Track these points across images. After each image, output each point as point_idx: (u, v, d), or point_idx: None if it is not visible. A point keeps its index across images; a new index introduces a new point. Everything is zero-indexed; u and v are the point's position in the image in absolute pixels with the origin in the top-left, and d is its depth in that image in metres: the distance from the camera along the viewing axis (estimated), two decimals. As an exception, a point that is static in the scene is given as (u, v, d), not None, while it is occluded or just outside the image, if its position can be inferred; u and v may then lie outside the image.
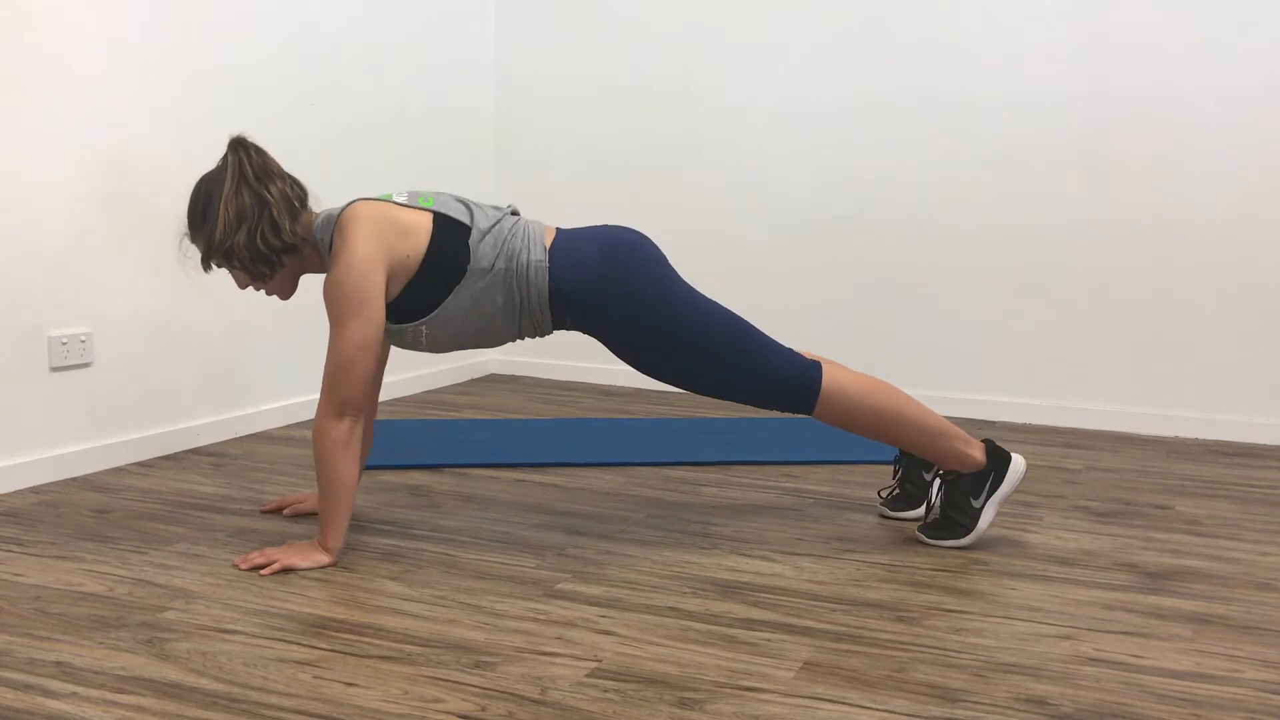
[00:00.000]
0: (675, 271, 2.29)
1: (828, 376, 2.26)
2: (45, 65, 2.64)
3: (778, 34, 3.85)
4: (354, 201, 2.22)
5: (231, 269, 2.24)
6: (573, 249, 2.22)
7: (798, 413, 2.29)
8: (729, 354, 2.24)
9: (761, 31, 3.87)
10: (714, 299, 2.31)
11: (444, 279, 2.18)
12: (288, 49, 3.30)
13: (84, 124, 2.73)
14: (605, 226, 2.31)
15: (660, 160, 4.04)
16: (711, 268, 3.98)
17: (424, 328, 2.21)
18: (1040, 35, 3.53)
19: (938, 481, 2.37)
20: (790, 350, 2.29)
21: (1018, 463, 2.32)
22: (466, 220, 2.21)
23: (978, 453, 2.31)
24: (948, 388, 3.71)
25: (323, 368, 2.15)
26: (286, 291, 2.31)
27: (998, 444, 2.34)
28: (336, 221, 2.19)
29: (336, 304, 2.12)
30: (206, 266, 2.24)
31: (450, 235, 2.19)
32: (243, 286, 2.28)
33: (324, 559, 2.14)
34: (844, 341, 3.82)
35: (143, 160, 2.88)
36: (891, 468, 2.60)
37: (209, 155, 2.29)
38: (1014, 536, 2.41)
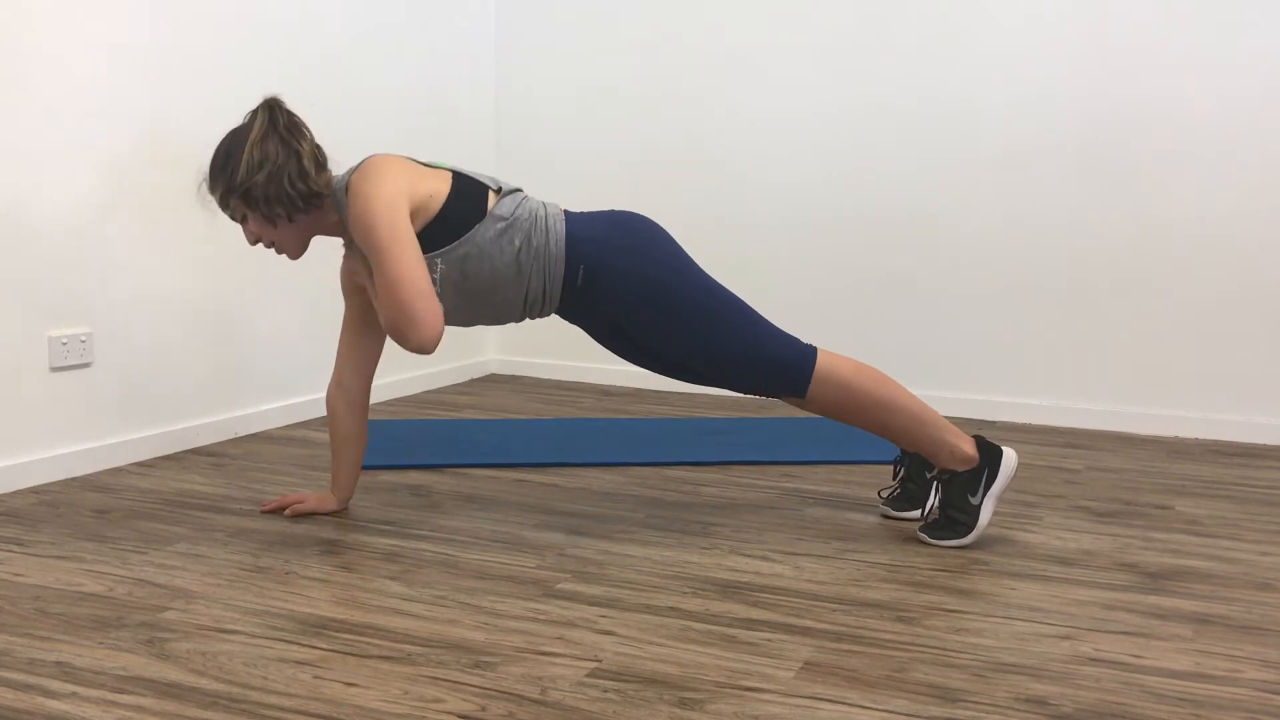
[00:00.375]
0: (682, 249, 2.34)
1: (822, 359, 2.29)
2: (46, 65, 2.64)
3: (778, 34, 3.85)
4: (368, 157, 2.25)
5: (249, 212, 2.22)
6: (582, 216, 2.31)
7: (790, 395, 2.29)
8: (728, 329, 2.26)
9: (762, 32, 3.87)
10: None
11: (464, 220, 2.21)
12: (288, 49, 3.30)
13: (84, 124, 2.73)
14: (611, 210, 2.37)
15: (660, 160, 4.04)
16: (711, 267, 3.97)
17: (439, 261, 2.20)
18: (1040, 36, 3.53)
19: (934, 483, 2.37)
20: (787, 334, 2.31)
21: (1009, 456, 2.32)
22: (484, 181, 2.27)
23: (970, 448, 2.32)
24: (948, 388, 3.71)
25: (382, 305, 2.12)
26: (297, 249, 2.31)
27: (988, 440, 2.35)
28: (353, 170, 2.22)
29: (371, 233, 2.11)
30: (224, 206, 2.24)
31: (469, 188, 2.24)
32: (253, 241, 2.27)
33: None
34: (844, 341, 3.81)
35: (143, 160, 2.88)
36: (892, 468, 2.60)
37: (209, 156, 2.29)
38: (1014, 536, 2.41)
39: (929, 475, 2.43)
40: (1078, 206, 3.54)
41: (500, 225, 2.23)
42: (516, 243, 2.23)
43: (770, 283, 3.92)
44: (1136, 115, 3.45)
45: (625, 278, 2.25)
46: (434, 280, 2.22)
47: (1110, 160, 3.49)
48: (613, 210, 2.36)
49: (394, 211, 2.12)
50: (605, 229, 2.28)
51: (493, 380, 4.24)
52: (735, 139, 3.94)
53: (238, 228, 2.36)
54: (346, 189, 2.21)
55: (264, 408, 3.28)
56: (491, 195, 2.25)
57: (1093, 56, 3.48)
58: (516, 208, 2.25)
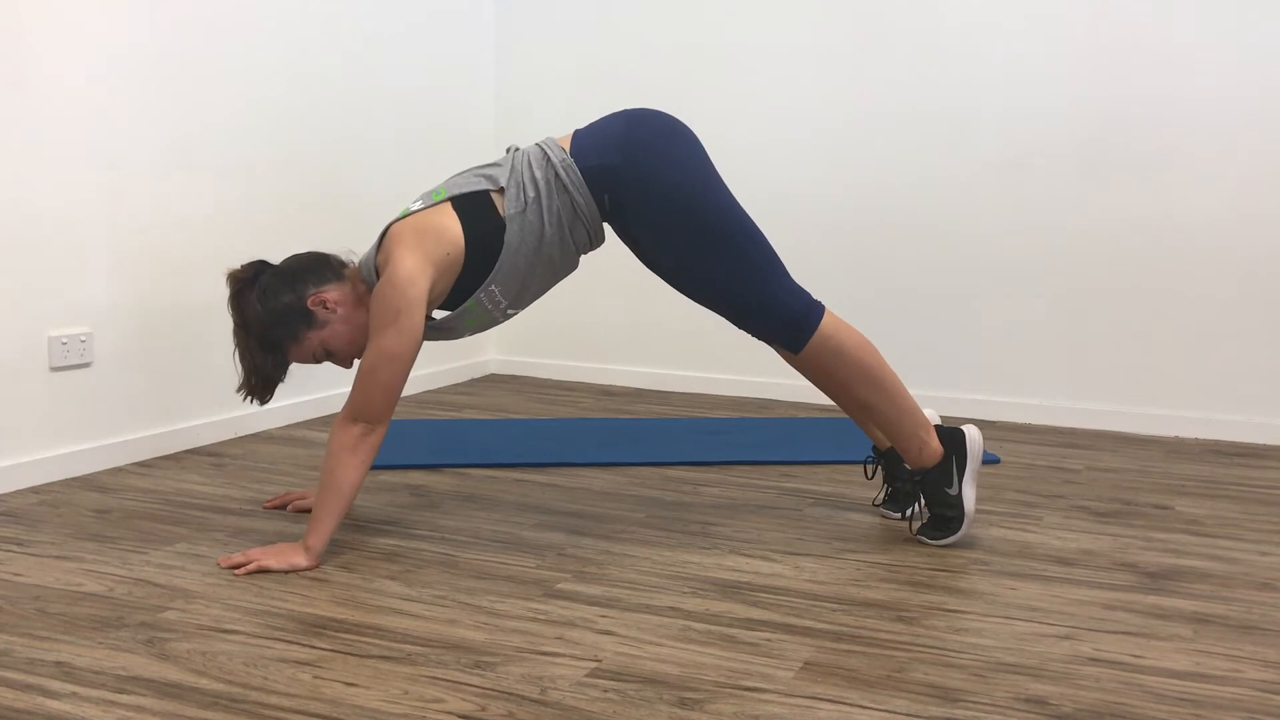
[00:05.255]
0: (704, 153, 2.27)
1: (828, 320, 2.25)
2: (46, 66, 2.64)
3: (778, 35, 3.85)
4: (385, 229, 2.25)
5: (290, 358, 2.28)
6: (594, 132, 2.25)
7: (786, 347, 2.26)
8: (742, 263, 2.21)
9: (762, 32, 3.87)
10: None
11: (491, 245, 2.21)
12: (289, 50, 3.30)
13: (84, 125, 2.73)
14: (626, 110, 2.30)
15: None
16: (711, 268, 3.99)
17: (494, 286, 2.22)
18: (1041, 36, 3.53)
19: (916, 487, 2.37)
20: (798, 284, 2.27)
21: (971, 433, 2.31)
22: (481, 186, 2.24)
23: (935, 443, 2.31)
24: (948, 388, 3.71)
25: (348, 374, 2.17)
26: (356, 351, 2.31)
27: (945, 426, 2.34)
28: (379, 246, 2.23)
29: (376, 315, 2.15)
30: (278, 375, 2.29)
31: (476, 207, 2.22)
32: (349, 365, 2.34)
33: (301, 562, 2.11)
34: (844, 341, 3.83)
35: (143, 161, 2.88)
36: (863, 467, 2.56)
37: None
38: (1014, 536, 2.41)
39: (908, 468, 2.44)
40: (1078, 207, 3.54)
41: (522, 220, 2.21)
42: (547, 222, 2.22)
43: (770, 283, 3.92)
44: (1137, 116, 3.45)
45: (648, 193, 2.20)
46: (499, 305, 2.26)
47: (1111, 161, 3.49)
48: (628, 113, 2.28)
49: (404, 293, 2.13)
50: (620, 143, 2.21)
51: (493, 380, 4.24)
52: (735, 139, 3.93)
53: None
54: (376, 260, 2.23)
55: (264, 407, 3.28)
56: (495, 197, 2.23)
57: (1094, 57, 3.48)
58: (522, 189, 2.22)
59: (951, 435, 2.31)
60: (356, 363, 2.30)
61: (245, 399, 2.29)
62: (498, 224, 2.21)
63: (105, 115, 2.78)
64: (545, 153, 2.25)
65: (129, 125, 2.84)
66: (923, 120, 3.69)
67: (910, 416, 2.30)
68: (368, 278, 2.26)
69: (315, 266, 2.27)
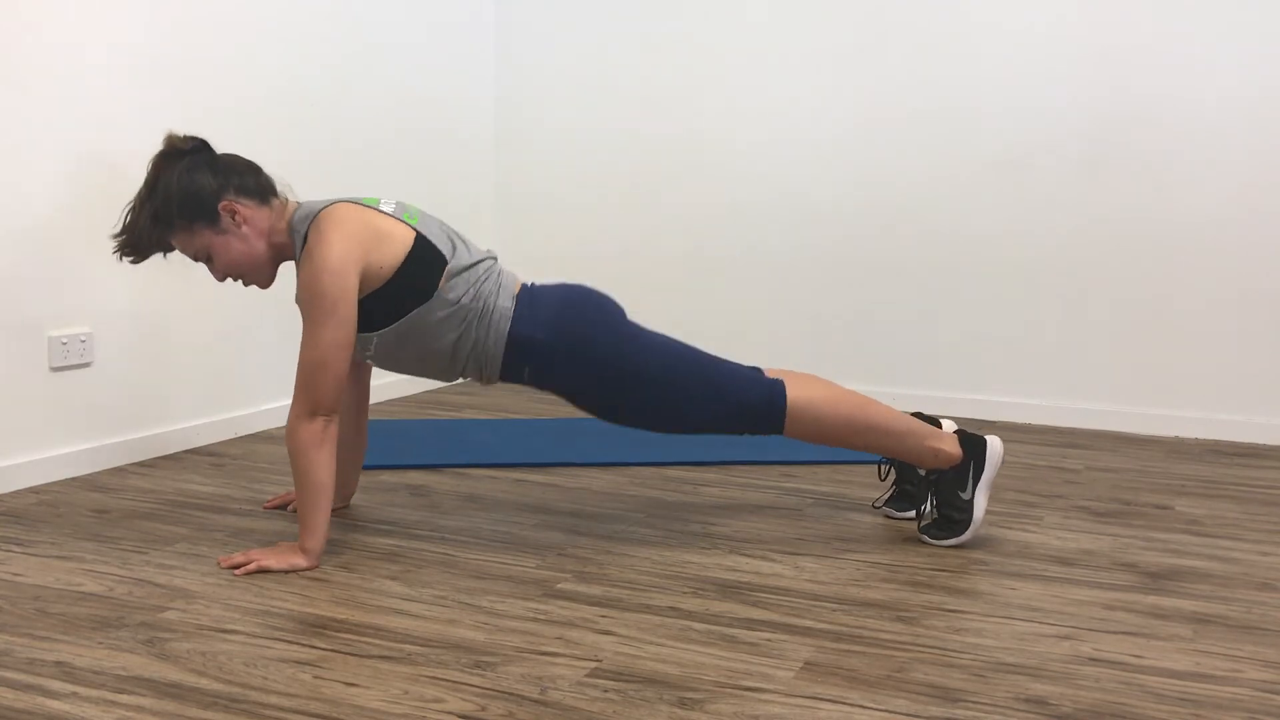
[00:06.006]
0: (629, 320, 2.30)
1: (792, 394, 2.25)
2: (46, 66, 2.64)
3: (778, 35, 3.85)
4: (337, 201, 2.20)
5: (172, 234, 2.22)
6: (534, 299, 2.25)
7: (769, 432, 2.28)
8: (692, 387, 2.23)
9: (762, 33, 3.87)
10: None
11: (408, 299, 2.17)
12: (287, 50, 3.30)
13: (84, 125, 2.73)
14: (566, 285, 2.31)
15: (661, 161, 4.04)
16: (711, 266, 3.99)
17: (374, 339, 2.20)
18: (1042, 36, 3.53)
19: (929, 485, 2.37)
20: (752, 370, 2.27)
21: (994, 444, 2.31)
22: (447, 252, 2.20)
23: (951, 446, 2.31)
24: (948, 388, 3.71)
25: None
26: (265, 279, 2.28)
27: (969, 432, 2.34)
28: (315, 218, 2.17)
29: (310, 304, 2.11)
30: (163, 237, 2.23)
31: (427, 257, 2.18)
32: (221, 276, 2.25)
33: (301, 562, 2.11)
34: (844, 340, 3.83)
35: (143, 162, 2.87)
36: (877, 469, 2.59)
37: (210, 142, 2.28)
38: (1014, 536, 2.41)
39: (921, 472, 2.43)
40: (1079, 207, 3.54)
41: (444, 313, 2.18)
42: (454, 336, 2.20)
43: (770, 281, 3.92)
44: (1138, 116, 3.45)
45: (574, 370, 2.22)
46: (368, 350, 2.22)
47: (1111, 161, 3.49)
48: (567, 285, 2.30)
49: (338, 283, 2.09)
50: (554, 319, 2.22)
51: (493, 380, 4.24)
52: (736, 139, 3.93)
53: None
54: (309, 228, 2.17)
55: (264, 408, 3.28)
56: (449, 269, 2.18)
57: (1094, 56, 3.48)
58: (465, 294, 2.19)
59: (974, 442, 2.32)
60: (296, 357, 2.24)
61: (114, 251, 2.23)
62: (426, 293, 2.17)
63: (105, 115, 2.78)
64: (501, 287, 2.23)
65: (129, 125, 2.84)
66: (923, 120, 3.68)
67: (912, 436, 2.31)
68: (296, 227, 2.20)
69: (248, 175, 2.21)
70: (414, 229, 2.19)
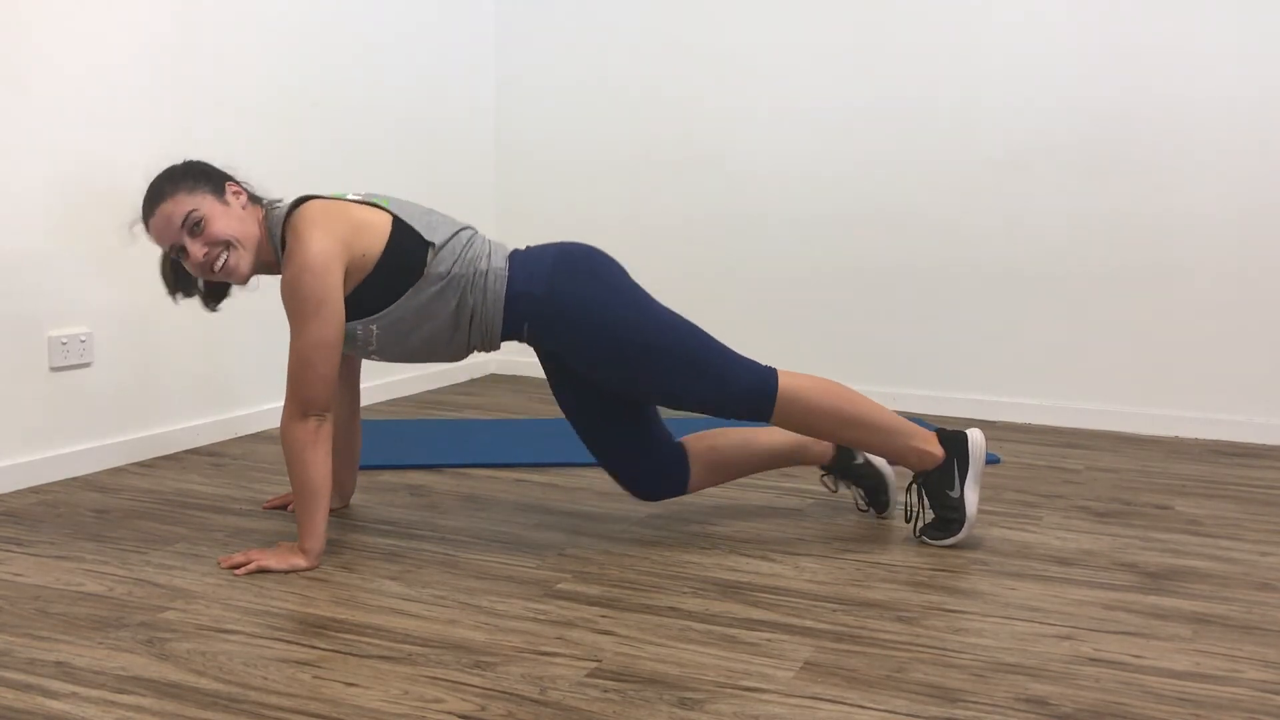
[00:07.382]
0: (630, 279, 2.29)
1: (784, 381, 2.25)
2: (46, 67, 2.64)
3: (778, 34, 3.85)
4: (306, 198, 2.20)
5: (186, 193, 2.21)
6: (528, 258, 2.25)
7: (756, 419, 2.28)
8: (683, 359, 2.22)
9: (762, 32, 3.87)
10: (674, 308, 2.31)
11: (399, 281, 2.17)
12: (288, 51, 3.30)
13: (84, 125, 2.73)
14: (560, 242, 2.31)
15: (661, 161, 4.04)
16: (711, 267, 3.99)
17: (374, 326, 2.19)
18: (1042, 35, 3.53)
19: (916, 489, 2.37)
20: (747, 358, 2.27)
21: (974, 436, 2.31)
22: (425, 230, 2.20)
23: (934, 447, 2.31)
24: (948, 388, 3.71)
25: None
26: (246, 264, 2.20)
27: (948, 430, 2.34)
28: (288, 220, 2.17)
29: (294, 304, 2.11)
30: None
31: (407, 239, 2.18)
32: (202, 257, 2.19)
33: (301, 562, 2.11)
34: (844, 340, 3.83)
35: (143, 162, 2.87)
36: (823, 485, 2.59)
37: (209, 159, 2.29)
38: (1014, 536, 2.41)
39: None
40: (1078, 206, 3.54)
41: (436, 287, 2.18)
42: (452, 305, 2.20)
43: (770, 282, 3.92)
44: (1138, 115, 3.45)
45: (570, 329, 2.21)
46: (370, 343, 2.22)
47: (1111, 160, 3.49)
48: (560, 244, 2.30)
49: (321, 280, 2.08)
50: (548, 275, 2.22)
51: (493, 380, 4.24)
52: (735, 138, 3.93)
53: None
54: (284, 229, 2.17)
55: (264, 408, 3.28)
56: (432, 247, 2.19)
57: (1094, 56, 3.48)
58: (455, 262, 2.19)
59: (954, 438, 2.31)
60: (286, 356, 2.21)
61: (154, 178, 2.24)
62: (415, 271, 2.18)
63: (105, 115, 2.78)
64: (490, 252, 2.23)
65: (129, 125, 2.84)
66: (924, 120, 3.68)
67: (898, 435, 2.30)
68: (272, 230, 2.21)
69: (231, 178, 2.25)
70: (389, 212, 2.20)
